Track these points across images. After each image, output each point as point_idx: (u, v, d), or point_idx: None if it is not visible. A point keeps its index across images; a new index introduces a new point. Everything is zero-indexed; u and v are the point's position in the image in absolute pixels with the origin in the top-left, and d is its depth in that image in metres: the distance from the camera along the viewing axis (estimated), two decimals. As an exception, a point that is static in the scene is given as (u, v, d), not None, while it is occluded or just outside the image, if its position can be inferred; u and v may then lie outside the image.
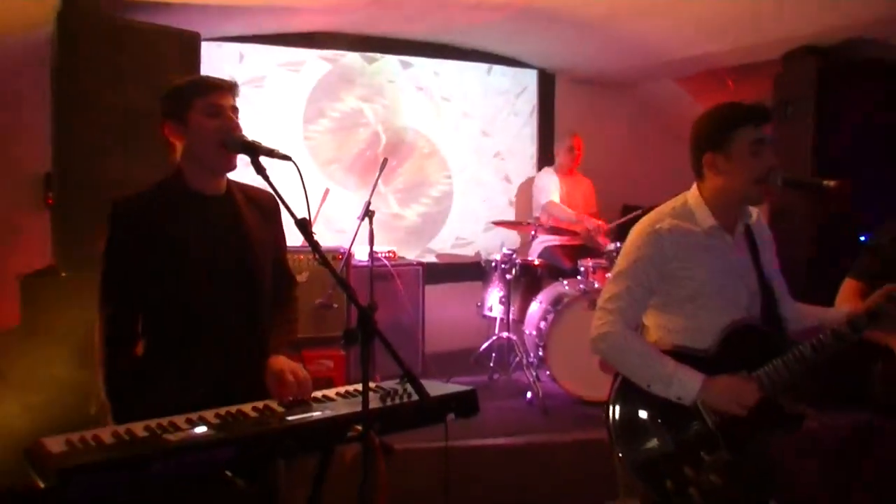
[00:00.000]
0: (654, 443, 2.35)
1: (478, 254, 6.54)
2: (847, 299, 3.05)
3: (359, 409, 1.94)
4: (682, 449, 2.34)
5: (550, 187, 6.08)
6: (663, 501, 2.34)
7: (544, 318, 5.01)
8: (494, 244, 6.45)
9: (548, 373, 4.95)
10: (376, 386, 2.31)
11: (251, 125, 2.35)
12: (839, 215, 4.24)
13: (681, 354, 2.37)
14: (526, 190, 6.62)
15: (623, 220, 5.74)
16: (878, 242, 3.03)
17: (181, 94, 2.29)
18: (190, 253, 2.25)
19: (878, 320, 2.30)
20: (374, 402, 2.13)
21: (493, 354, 5.38)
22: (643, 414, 2.39)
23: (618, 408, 2.42)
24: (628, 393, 2.41)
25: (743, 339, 2.39)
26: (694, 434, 2.34)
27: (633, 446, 2.37)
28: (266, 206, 2.45)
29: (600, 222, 5.81)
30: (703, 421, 2.33)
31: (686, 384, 2.29)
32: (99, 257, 2.26)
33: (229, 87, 2.33)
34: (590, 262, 5.31)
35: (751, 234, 2.50)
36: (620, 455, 2.37)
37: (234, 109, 2.31)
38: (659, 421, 2.36)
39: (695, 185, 2.49)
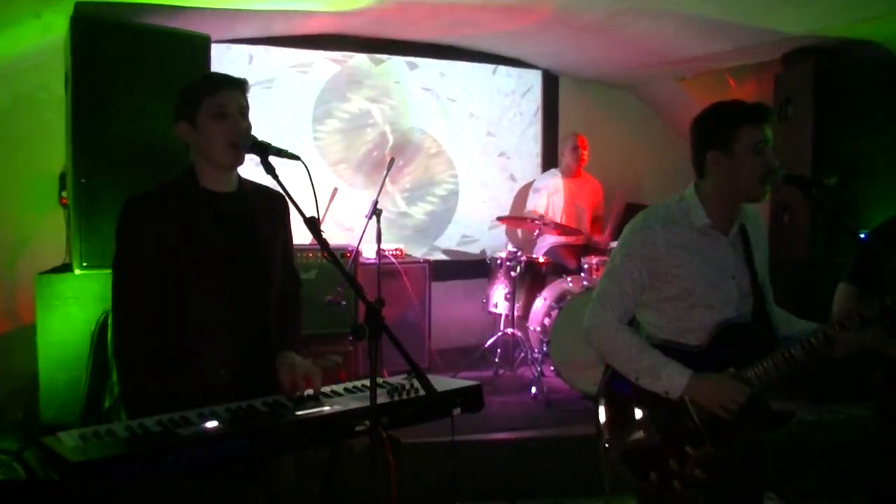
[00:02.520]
0: (640, 434, 2.36)
1: (483, 251, 6.56)
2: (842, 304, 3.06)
3: (367, 403, 1.96)
4: (667, 442, 2.34)
5: (541, 192, 6.13)
6: (648, 493, 2.37)
7: (548, 315, 5.07)
8: (500, 242, 6.51)
9: (552, 368, 5.00)
10: (384, 381, 2.35)
11: (261, 126, 2.35)
12: (838, 214, 4.28)
13: (671, 349, 2.37)
14: (526, 190, 6.61)
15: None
16: (872, 244, 3.01)
17: (189, 95, 2.28)
18: (202, 249, 2.26)
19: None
20: (382, 397, 2.15)
21: (498, 350, 5.42)
22: (630, 406, 2.40)
23: (606, 399, 2.44)
24: (616, 385, 2.43)
25: (734, 337, 2.38)
26: (679, 428, 2.34)
27: (619, 437, 2.38)
28: (276, 205, 2.45)
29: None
30: (689, 416, 2.32)
31: (673, 379, 2.30)
32: (112, 255, 2.27)
33: (237, 85, 2.29)
34: (594, 260, 5.37)
35: (745, 234, 2.47)
36: (607, 445, 2.39)
37: (244, 109, 2.29)
38: (646, 413, 2.37)
39: (692, 184, 2.46)
